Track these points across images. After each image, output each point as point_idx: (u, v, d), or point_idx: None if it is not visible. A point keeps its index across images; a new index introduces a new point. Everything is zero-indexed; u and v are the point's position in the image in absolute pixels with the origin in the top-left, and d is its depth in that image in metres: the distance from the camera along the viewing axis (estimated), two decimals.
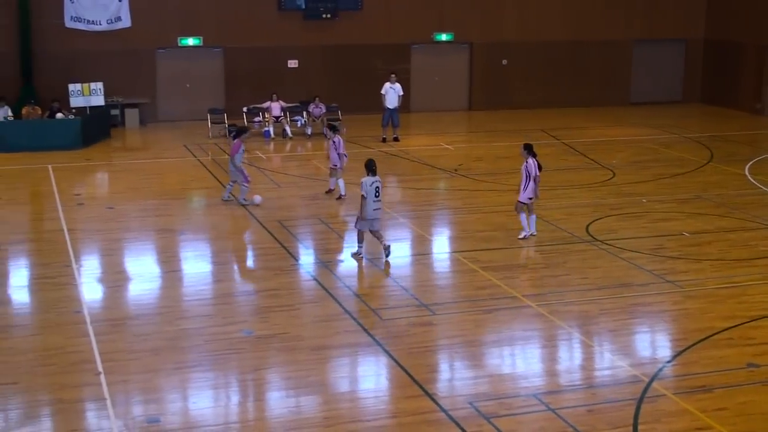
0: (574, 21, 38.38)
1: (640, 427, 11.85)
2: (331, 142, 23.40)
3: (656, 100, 40.06)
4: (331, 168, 23.58)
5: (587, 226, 21.00)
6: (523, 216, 19.85)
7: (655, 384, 13.13)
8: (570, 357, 14.50)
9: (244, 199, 22.47)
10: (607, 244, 19.67)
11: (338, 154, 23.16)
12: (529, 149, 19.97)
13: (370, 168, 18.38)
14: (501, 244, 19.67)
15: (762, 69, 37.61)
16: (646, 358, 14.35)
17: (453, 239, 20.60)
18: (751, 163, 28.35)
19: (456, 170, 26.86)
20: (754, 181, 25.88)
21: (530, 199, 19.77)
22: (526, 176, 19.67)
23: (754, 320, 15.56)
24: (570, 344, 14.86)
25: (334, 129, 23.68)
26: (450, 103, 37.81)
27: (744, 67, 38.40)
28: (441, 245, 19.85)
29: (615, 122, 35.66)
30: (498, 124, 34.87)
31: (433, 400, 12.61)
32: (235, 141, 22.51)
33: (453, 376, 13.70)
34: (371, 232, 18.49)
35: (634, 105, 39.49)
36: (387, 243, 18.53)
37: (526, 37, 37.90)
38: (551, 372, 13.78)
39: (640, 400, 12.58)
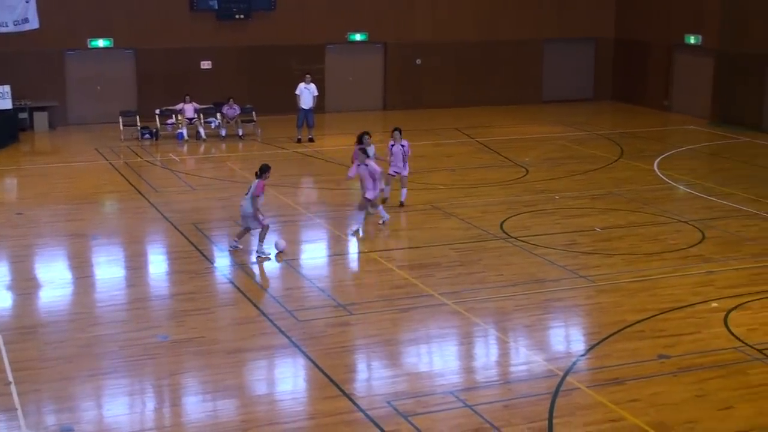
0: (486, 21, 38.69)
1: (554, 421, 12.01)
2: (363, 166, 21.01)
3: (568, 98, 40.64)
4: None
5: (501, 223, 21.21)
6: (380, 207, 20.60)
7: (569, 378, 13.32)
8: (486, 353, 14.65)
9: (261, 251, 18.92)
10: (521, 240, 19.89)
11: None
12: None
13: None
14: (417, 242, 19.77)
15: (669, 67, 38.42)
16: (560, 353, 14.57)
17: (369, 239, 20.63)
18: (660, 158, 28.94)
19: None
20: (663, 177, 26.42)
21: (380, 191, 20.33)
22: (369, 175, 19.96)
23: (665, 312, 15.89)
24: (486, 341, 15.00)
25: (364, 152, 21.25)
26: (365, 103, 37.85)
27: (652, 66, 39.18)
28: (357, 245, 19.86)
29: (528, 120, 36.09)
30: (413, 123, 34.94)
31: (351, 400, 12.62)
32: (258, 181, 18.88)
33: (371, 376, 13.72)
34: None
35: (547, 103, 39.99)
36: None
37: (439, 37, 38.12)
38: (468, 369, 13.89)
39: (555, 394, 12.76)
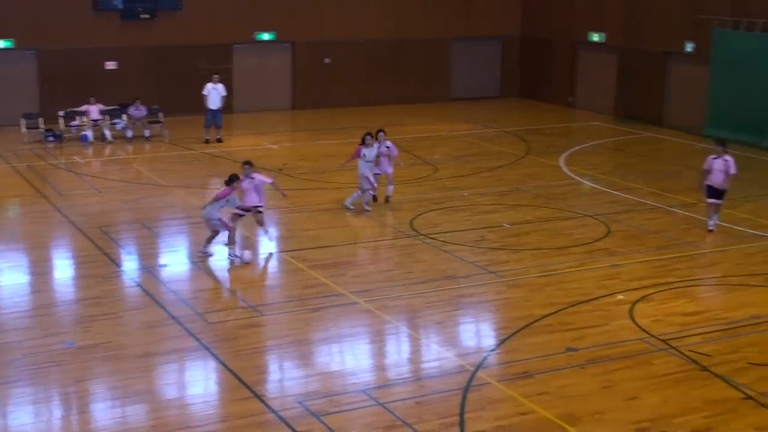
0: (393, 20, 38.83)
1: (466, 416, 12.11)
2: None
3: (476, 95, 41.01)
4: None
5: (411, 220, 21.31)
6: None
7: (480, 373, 13.44)
8: (398, 351, 14.70)
9: (203, 250, 18.83)
10: (431, 238, 20.01)
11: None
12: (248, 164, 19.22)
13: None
14: (327, 242, 19.74)
15: (574, 65, 39.06)
16: (471, 348, 14.69)
17: (279, 239, 20.52)
18: (565, 154, 29.39)
19: (281, 170, 26.77)
20: (568, 172, 26.83)
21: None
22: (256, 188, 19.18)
23: (572, 306, 16.14)
24: (398, 338, 15.06)
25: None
26: (273, 103, 37.66)
27: (557, 63, 39.78)
28: (267, 245, 19.75)
29: (436, 118, 36.32)
30: (322, 122, 34.97)
31: (263, 401, 12.55)
32: (225, 188, 18.54)
33: (282, 377, 13.67)
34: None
35: (455, 101, 40.30)
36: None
37: (347, 36, 38.13)
38: (380, 367, 13.93)
39: (466, 390, 12.86)
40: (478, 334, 15.57)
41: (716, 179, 20.33)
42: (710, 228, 20.52)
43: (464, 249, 19.30)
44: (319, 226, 20.86)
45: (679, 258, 18.82)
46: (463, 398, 12.62)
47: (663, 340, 14.64)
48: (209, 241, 18.65)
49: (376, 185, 22.31)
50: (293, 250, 19.23)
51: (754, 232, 20.65)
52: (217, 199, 18.35)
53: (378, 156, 22.31)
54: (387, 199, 22.84)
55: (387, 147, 22.62)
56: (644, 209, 22.66)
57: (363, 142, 22.22)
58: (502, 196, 23.86)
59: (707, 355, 14.10)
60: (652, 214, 22.30)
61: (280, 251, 19.36)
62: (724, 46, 32.06)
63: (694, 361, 13.87)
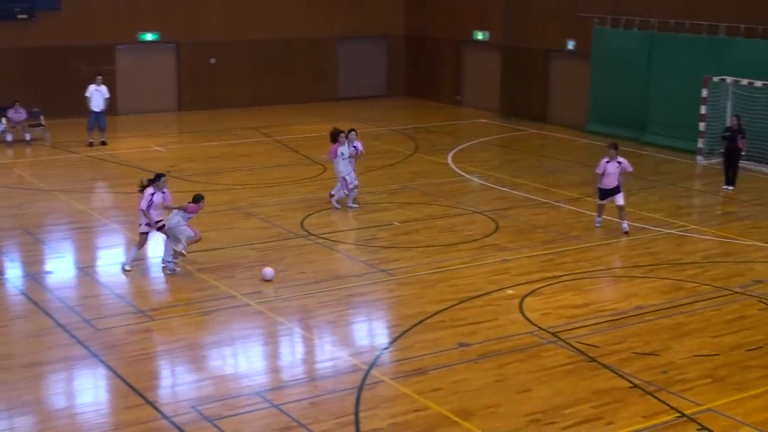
0: (279, 19, 38.66)
1: (361, 415, 12.15)
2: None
3: (363, 94, 41.13)
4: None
5: (302, 221, 21.28)
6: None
7: (373, 371, 13.50)
8: (291, 352, 14.66)
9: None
10: (322, 237, 20.01)
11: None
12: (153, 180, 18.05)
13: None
14: (217, 244, 19.55)
15: (459, 63, 39.51)
16: (364, 347, 14.75)
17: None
18: (453, 152, 29.72)
19: (168, 172, 26.36)
20: (456, 169, 27.14)
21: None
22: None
23: (463, 302, 16.33)
24: (291, 339, 15.02)
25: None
26: (159, 104, 37.09)
27: (443, 62, 40.17)
28: (155, 249, 19.47)
29: (324, 118, 36.23)
30: (209, 123, 34.61)
31: (155, 407, 12.37)
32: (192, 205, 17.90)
33: (175, 382, 13.50)
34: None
35: (342, 100, 40.35)
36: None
37: (232, 35, 37.81)
38: (274, 368, 13.87)
39: (360, 389, 12.90)
40: (371, 332, 15.64)
41: (610, 182, 20.37)
42: (597, 224, 20.94)
43: (356, 248, 19.36)
44: (209, 228, 20.61)
45: (566, 252, 19.20)
46: (358, 397, 12.66)
47: (552, 333, 14.93)
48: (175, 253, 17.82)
49: (351, 187, 22.38)
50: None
51: (637, 224, 21.19)
52: (186, 211, 17.71)
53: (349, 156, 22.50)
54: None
55: (354, 147, 22.71)
56: (531, 205, 23.06)
57: (335, 140, 22.34)
58: (391, 195, 24.00)
59: (595, 346, 14.43)
60: (539, 209, 22.71)
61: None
62: (604, 43, 32.85)
63: (583, 353, 14.18)
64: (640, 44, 31.62)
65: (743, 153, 25.40)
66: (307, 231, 20.53)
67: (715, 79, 28.41)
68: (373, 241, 19.90)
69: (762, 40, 28.27)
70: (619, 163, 20.41)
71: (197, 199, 17.95)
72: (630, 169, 20.65)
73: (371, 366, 13.69)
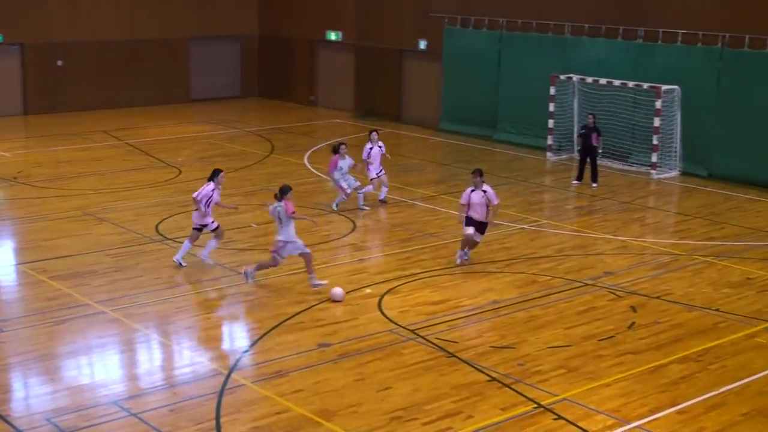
0: (128, 20, 37.92)
1: (222, 420, 12.03)
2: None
3: (216, 96, 40.72)
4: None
5: (157, 225, 20.93)
6: None
7: (234, 375, 13.39)
8: (149, 359, 14.40)
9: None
10: (178, 242, 19.71)
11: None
12: None
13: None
14: (69, 251, 19.05)
15: (313, 63, 39.52)
16: (224, 351, 14.61)
17: (17, 250, 19.65)
18: (309, 152, 29.72)
19: (15, 178, 25.61)
20: (313, 170, 27.16)
21: None
22: None
23: (322, 302, 16.35)
24: (148, 346, 14.75)
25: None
26: (3, 109, 35.84)
27: (297, 62, 40.12)
28: (4, 258, 18.85)
29: (178, 120, 35.80)
30: (57, 127, 33.66)
31: (7, 422, 11.96)
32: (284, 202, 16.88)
33: (28, 394, 13.07)
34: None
35: (196, 102, 39.86)
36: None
37: (80, 36, 36.87)
38: (131, 377, 13.59)
39: (221, 393, 12.77)
40: (231, 336, 15.50)
41: (478, 213, 18.39)
42: (458, 263, 18.60)
43: (212, 252, 19.12)
44: (60, 235, 20.10)
45: (423, 249, 19.43)
46: (218, 402, 12.53)
47: (411, 330, 15.09)
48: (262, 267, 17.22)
49: (349, 192, 22.40)
50: (32, 262, 18.43)
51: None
52: (290, 215, 16.83)
53: (368, 158, 22.79)
54: (383, 202, 23.11)
55: (380, 146, 22.90)
56: (388, 203, 23.23)
57: (337, 152, 22.23)
58: (248, 197, 23.84)
59: (453, 342, 14.65)
60: (396, 207, 22.92)
61: (19, 263, 18.51)
62: (455, 43, 33.39)
63: (442, 348, 14.38)
64: (489, 44, 32.27)
65: (600, 150, 26.20)
66: (162, 235, 20.21)
67: (562, 77, 29.24)
68: (230, 244, 19.72)
69: (605, 39, 29.23)
70: (485, 192, 18.41)
71: (284, 190, 17.09)
72: (495, 201, 18.57)
73: (231, 370, 13.57)
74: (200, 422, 11.97)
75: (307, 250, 16.96)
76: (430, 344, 14.56)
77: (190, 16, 39.51)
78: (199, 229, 18.28)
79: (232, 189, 24.50)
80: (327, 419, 12.09)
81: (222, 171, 18.53)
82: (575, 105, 29.28)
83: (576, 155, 28.38)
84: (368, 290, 17.03)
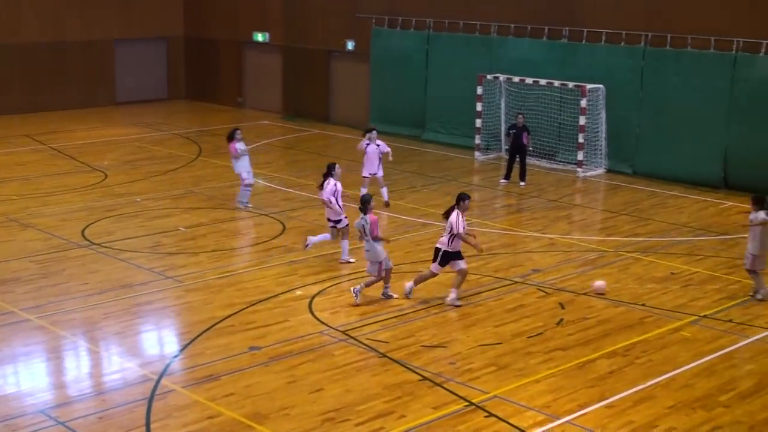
0: (51, 22, 37.33)
1: (152, 426, 11.92)
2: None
3: (143, 98, 40.30)
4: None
5: (83, 230, 20.66)
6: None
7: (164, 380, 13.28)
8: (77, 366, 14.20)
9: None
10: (105, 246, 19.50)
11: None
12: None
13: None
14: None
15: (240, 64, 39.33)
16: (153, 356, 14.48)
17: None
18: None
19: None
20: None
21: None
22: None
23: (252, 305, 16.29)
24: (76, 353, 14.55)
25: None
26: None
27: (224, 64, 39.89)
28: None
29: (103, 123, 35.34)
30: None
31: None
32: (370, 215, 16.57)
33: None
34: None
35: (121, 104, 39.39)
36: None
37: (1, 39, 36.19)
38: (59, 385, 13.39)
39: (151, 399, 12.66)
40: (161, 341, 15.37)
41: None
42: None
43: (140, 256, 18.96)
44: None
45: (352, 250, 19.42)
46: (149, 408, 12.41)
47: (342, 332, 15.10)
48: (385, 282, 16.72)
49: (250, 182, 22.73)
50: None
51: (420, 220, 21.73)
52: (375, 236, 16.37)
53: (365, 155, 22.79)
54: (387, 204, 22.90)
55: (378, 145, 22.69)
56: (317, 205, 23.15)
57: (232, 139, 22.70)
58: (176, 200, 23.64)
59: (384, 342, 14.70)
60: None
61: None
62: (382, 43, 33.48)
63: (373, 349, 14.42)
64: (416, 44, 32.41)
65: (530, 149, 26.47)
66: (89, 240, 19.96)
67: (489, 77, 29.47)
68: (159, 248, 19.55)
69: (531, 39, 29.54)
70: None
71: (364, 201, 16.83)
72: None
73: (161, 375, 13.45)
74: (130, 429, 11.85)
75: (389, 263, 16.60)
76: (361, 345, 14.59)
77: (114, 18, 39.02)
78: (335, 225, 18.83)
79: (158, 192, 24.32)
80: (259, 422, 12.05)
81: (337, 164, 19.07)
82: (502, 104, 29.54)
83: (504, 154, 28.68)
84: (299, 292, 17.00)
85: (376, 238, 16.27)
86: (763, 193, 17.45)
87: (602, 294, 16.95)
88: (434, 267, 16.41)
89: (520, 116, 26.25)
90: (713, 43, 25.68)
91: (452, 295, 16.40)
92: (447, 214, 16.34)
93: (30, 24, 36.86)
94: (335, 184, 18.75)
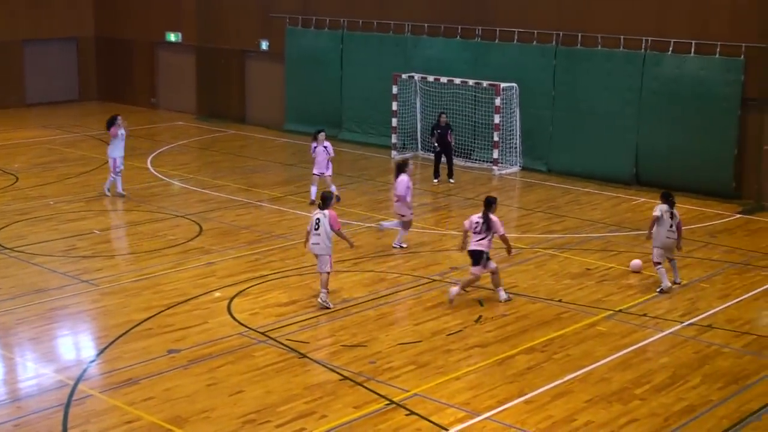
0: None
1: None
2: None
3: (53, 99, 39.59)
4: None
5: None
6: None
7: (81, 385, 13.06)
8: None
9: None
10: (17, 251, 19.12)
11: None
12: None
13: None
14: None
15: (153, 65, 38.89)
16: (70, 361, 14.24)
17: None
18: (152, 156, 29.24)
19: None
20: (157, 174, 26.73)
21: None
22: None
23: (170, 308, 16.12)
24: None
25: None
26: None
27: (137, 64, 39.41)
28: None
29: (12, 125, 34.66)
30: None
31: None
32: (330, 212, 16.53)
33: None
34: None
35: (31, 106, 38.65)
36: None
37: None
38: None
39: (68, 405, 12.44)
40: (77, 345, 15.12)
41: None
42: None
43: (54, 260, 18.63)
44: None
45: (271, 251, 19.38)
46: (65, 414, 12.20)
47: (262, 333, 15.03)
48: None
49: (117, 171, 23.48)
50: None
51: (340, 220, 21.64)
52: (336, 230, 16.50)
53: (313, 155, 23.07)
54: (338, 199, 22.27)
55: (325, 147, 22.74)
56: (234, 206, 23.09)
57: (113, 125, 23.49)
58: (90, 203, 23.28)
59: (305, 342, 14.67)
60: (243, 209, 22.78)
61: None
62: (297, 43, 33.41)
63: (293, 350, 14.38)
64: (331, 43, 32.41)
65: (453, 147, 26.66)
66: (0, 245, 19.53)
67: (404, 76, 29.61)
68: (73, 251, 19.23)
69: (444, 38, 29.75)
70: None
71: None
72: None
73: (78, 380, 13.23)
74: None
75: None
76: (281, 346, 14.54)
77: (22, 18, 38.26)
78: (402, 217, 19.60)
79: (71, 195, 23.94)
80: (179, 426, 11.93)
81: (409, 161, 20.33)
82: (418, 103, 29.70)
83: (422, 153, 28.86)
84: (217, 293, 16.88)
85: (338, 233, 16.34)
86: (672, 189, 17.84)
87: (638, 272, 18.10)
88: (477, 270, 16.46)
89: (443, 115, 26.42)
90: (623, 42, 26.16)
91: (503, 294, 16.69)
92: (485, 220, 16.35)
93: None
94: (408, 181, 19.42)
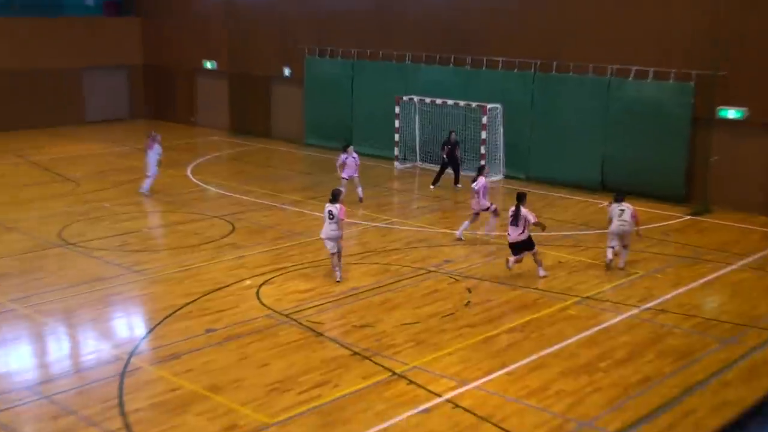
0: (24, 52, 36.64)
1: (125, 398, 11.90)
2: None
3: (108, 118, 39.79)
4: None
5: (60, 232, 20.41)
6: None
7: (133, 359, 13.24)
8: (58, 348, 14.07)
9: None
10: (79, 246, 19.30)
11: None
12: None
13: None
14: None
15: (193, 88, 39.07)
16: (124, 339, 14.41)
17: None
18: (191, 166, 29.39)
19: None
20: (196, 181, 26.88)
21: None
22: None
23: (207, 294, 16.28)
24: (57, 337, 14.42)
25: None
26: None
27: (179, 87, 39.58)
28: None
29: (74, 140, 34.84)
30: None
31: None
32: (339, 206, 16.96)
33: None
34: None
35: (89, 124, 38.83)
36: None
37: None
38: (42, 365, 13.28)
39: (123, 375, 12.62)
40: (130, 325, 15.30)
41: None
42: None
43: (110, 253, 18.82)
44: None
45: (292, 246, 19.53)
46: (121, 383, 12.39)
47: (285, 315, 15.19)
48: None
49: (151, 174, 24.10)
50: None
51: (350, 221, 21.79)
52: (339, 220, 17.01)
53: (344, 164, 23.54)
54: (360, 200, 23.71)
55: (354, 157, 23.35)
56: (261, 208, 23.25)
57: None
58: (139, 205, 23.46)
59: (321, 323, 14.83)
60: (268, 211, 22.93)
61: None
62: (314, 70, 33.54)
63: (311, 329, 14.53)
64: (343, 71, 32.54)
65: (462, 159, 26.83)
66: (65, 240, 19.73)
67: (405, 98, 29.73)
68: (126, 246, 19.41)
69: (439, 66, 29.86)
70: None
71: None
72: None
73: (131, 355, 13.42)
74: (105, 401, 11.82)
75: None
76: (301, 326, 14.69)
77: (82, 49, 38.46)
78: (477, 214, 20.04)
79: (124, 199, 24.10)
80: (215, 393, 12.11)
81: (486, 165, 21.50)
82: (417, 121, 29.82)
83: (419, 164, 29.03)
84: (248, 282, 17.04)
85: (341, 222, 16.85)
86: (631, 194, 17.93)
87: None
88: (517, 257, 17.38)
89: (453, 133, 26.55)
90: (591, 69, 26.27)
91: (542, 271, 17.43)
92: (516, 212, 17.30)
93: (5, 53, 36.16)
94: (485, 181, 20.03)
